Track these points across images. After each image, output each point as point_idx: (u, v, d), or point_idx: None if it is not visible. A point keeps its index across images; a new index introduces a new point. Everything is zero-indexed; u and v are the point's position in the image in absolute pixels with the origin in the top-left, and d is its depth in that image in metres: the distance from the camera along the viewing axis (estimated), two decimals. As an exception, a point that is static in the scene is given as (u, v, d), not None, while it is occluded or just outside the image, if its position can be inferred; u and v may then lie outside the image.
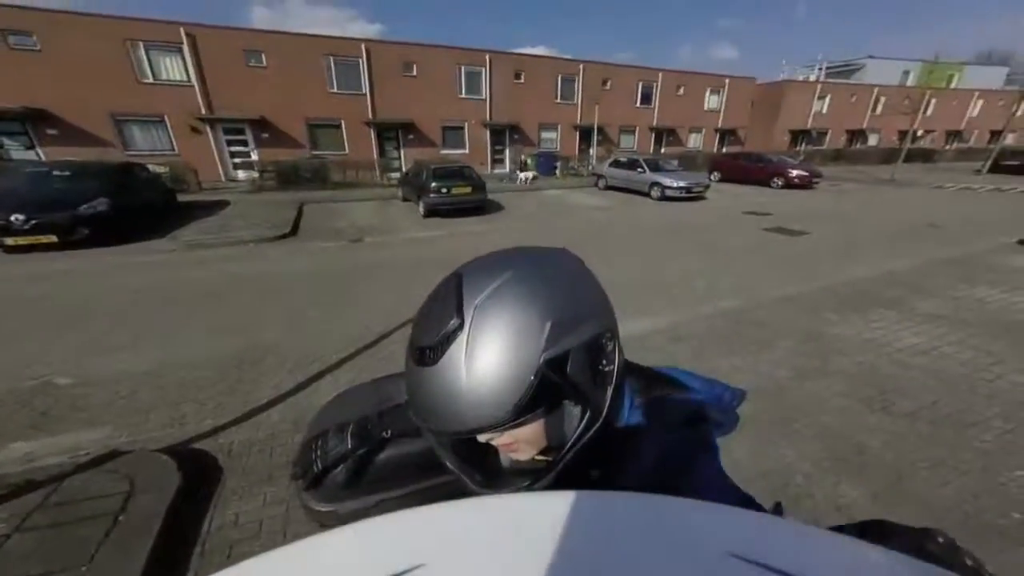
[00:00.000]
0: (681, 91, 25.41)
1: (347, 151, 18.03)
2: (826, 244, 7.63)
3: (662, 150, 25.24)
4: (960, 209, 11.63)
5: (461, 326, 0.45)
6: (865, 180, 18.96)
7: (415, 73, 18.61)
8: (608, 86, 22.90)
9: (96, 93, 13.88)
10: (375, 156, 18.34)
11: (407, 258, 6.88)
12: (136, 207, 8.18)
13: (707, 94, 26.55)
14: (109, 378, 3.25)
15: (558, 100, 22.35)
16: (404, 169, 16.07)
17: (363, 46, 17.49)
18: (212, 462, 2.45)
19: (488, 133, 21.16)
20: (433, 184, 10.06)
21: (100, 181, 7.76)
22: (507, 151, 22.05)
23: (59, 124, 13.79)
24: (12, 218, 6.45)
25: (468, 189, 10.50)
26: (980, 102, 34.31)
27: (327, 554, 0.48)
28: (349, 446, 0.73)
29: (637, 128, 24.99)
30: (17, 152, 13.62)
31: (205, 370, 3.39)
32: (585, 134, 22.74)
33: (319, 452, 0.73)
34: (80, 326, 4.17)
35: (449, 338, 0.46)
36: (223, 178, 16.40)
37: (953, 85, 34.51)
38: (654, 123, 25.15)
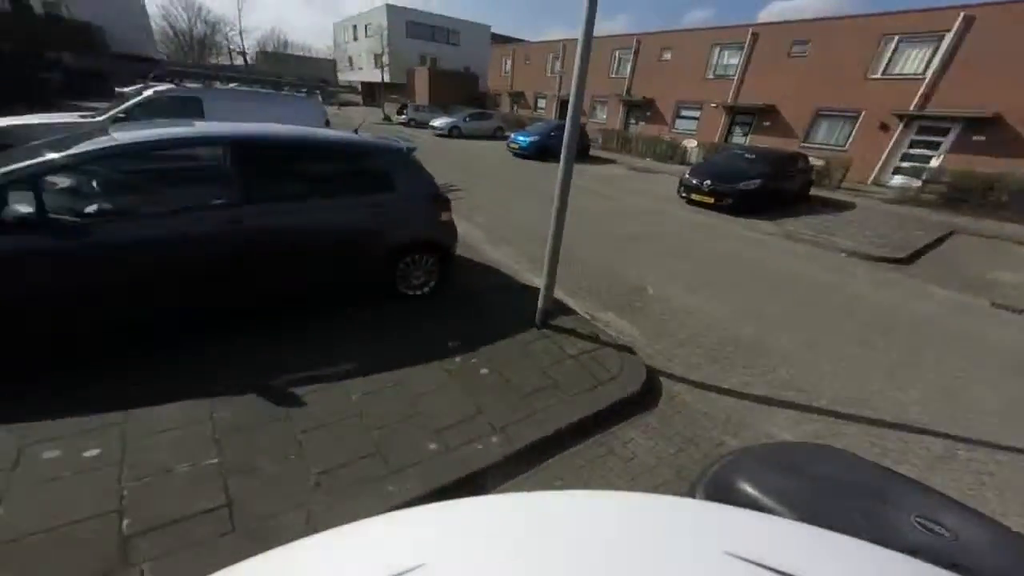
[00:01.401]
0: None
1: None
2: None
3: None
4: None
5: None
6: None
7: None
8: None
9: (814, 90, 15.25)
10: None
11: None
12: (776, 191, 9.16)
13: None
14: (678, 307, 4.31)
15: None
16: None
17: None
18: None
19: None
20: None
21: (766, 165, 9.19)
22: None
23: (772, 118, 16.91)
24: (704, 183, 9.32)
25: None
26: None
27: (327, 554, 0.47)
28: None
29: None
30: (738, 138, 18.55)
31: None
32: None
33: None
34: (676, 261, 5.65)
35: None
36: (869, 181, 14.32)
37: None
38: None
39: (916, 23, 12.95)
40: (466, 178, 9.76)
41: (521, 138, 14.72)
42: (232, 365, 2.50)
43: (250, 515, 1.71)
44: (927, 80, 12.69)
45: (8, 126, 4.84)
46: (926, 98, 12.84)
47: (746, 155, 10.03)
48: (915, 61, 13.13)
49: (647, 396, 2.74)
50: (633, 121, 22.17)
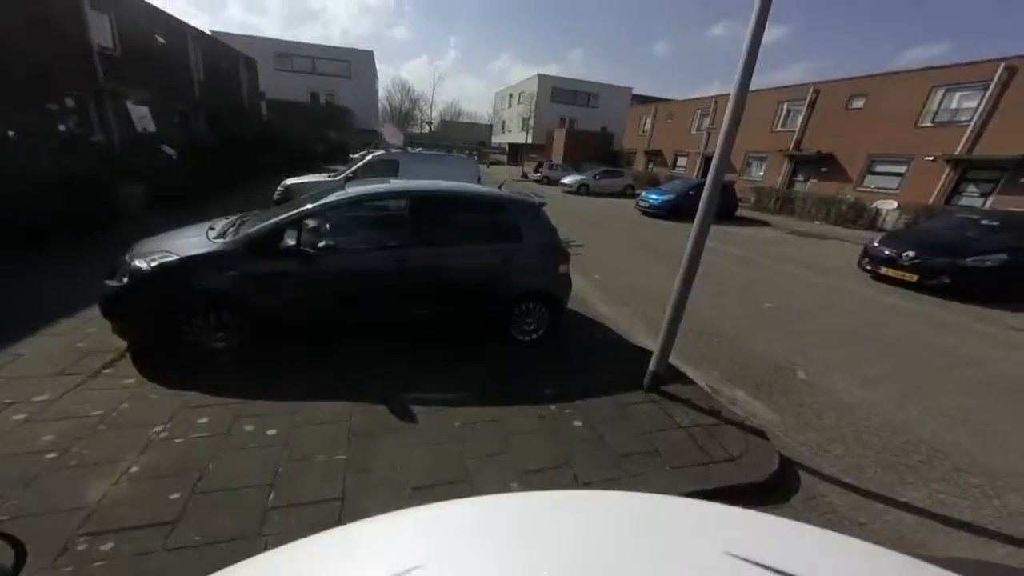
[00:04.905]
0: None
1: None
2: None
3: None
4: None
5: None
6: None
7: None
8: None
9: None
10: None
11: None
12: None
13: None
14: (837, 400, 3.66)
15: None
16: None
17: None
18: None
19: None
20: None
21: (1018, 236, 6.97)
22: None
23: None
24: (904, 254, 7.56)
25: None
26: None
27: (327, 554, 0.49)
28: None
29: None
30: (969, 199, 14.49)
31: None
32: None
33: None
34: (847, 347, 4.69)
35: None
36: None
37: None
38: None
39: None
40: (589, 234, 10.33)
41: (653, 196, 14.87)
42: (374, 376, 3.16)
43: (353, 511, 2.04)
44: None
45: (291, 184, 7.79)
46: None
47: (982, 221, 7.88)
48: None
49: (776, 489, 2.42)
50: (800, 178, 19.86)
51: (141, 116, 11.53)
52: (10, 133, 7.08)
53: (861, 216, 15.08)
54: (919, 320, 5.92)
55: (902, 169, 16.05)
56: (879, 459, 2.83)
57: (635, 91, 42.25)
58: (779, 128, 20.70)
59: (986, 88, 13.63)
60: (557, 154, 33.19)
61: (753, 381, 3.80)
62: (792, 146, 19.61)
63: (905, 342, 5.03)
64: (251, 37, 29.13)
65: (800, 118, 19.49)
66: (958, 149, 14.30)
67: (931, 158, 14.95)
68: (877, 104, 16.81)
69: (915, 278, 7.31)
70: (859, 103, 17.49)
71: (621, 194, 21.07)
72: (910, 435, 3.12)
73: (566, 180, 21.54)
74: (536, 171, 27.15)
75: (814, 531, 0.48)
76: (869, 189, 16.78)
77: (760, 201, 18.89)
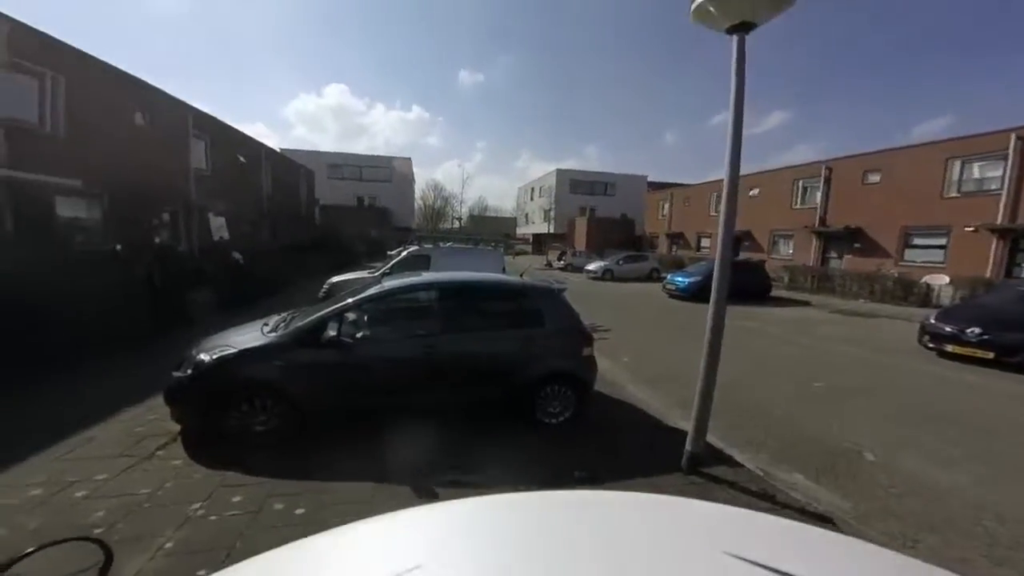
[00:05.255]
0: None
1: None
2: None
3: None
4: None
5: None
6: None
7: None
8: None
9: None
10: None
11: None
12: None
13: None
14: (918, 483, 3.17)
15: None
16: None
17: None
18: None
19: None
20: None
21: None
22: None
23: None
24: (969, 330, 6.92)
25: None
26: None
27: (327, 554, 0.49)
28: None
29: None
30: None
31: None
32: None
33: None
34: (925, 432, 4.14)
35: None
36: None
37: None
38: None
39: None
40: (616, 318, 10.26)
41: (679, 279, 14.93)
42: (401, 458, 3.12)
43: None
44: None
45: (336, 281, 8.70)
46: None
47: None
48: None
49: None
50: (834, 255, 19.54)
51: (219, 226, 13.36)
52: (118, 247, 8.37)
53: (911, 292, 14.26)
54: (999, 397, 5.22)
55: (942, 241, 15.55)
56: (990, 554, 2.34)
57: (649, 178, 44.36)
58: (798, 206, 21.18)
59: (1005, 158, 13.77)
60: (580, 241, 34.54)
61: (811, 463, 3.40)
62: (817, 222, 19.78)
63: (983, 418, 4.42)
64: (310, 152, 33.90)
65: (818, 194, 20.00)
66: (998, 218, 13.92)
67: (971, 228, 14.52)
68: (892, 178, 17.16)
69: (991, 355, 6.60)
70: (875, 178, 17.92)
71: (647, 278, 21.07)
72: (1015, 525, 2.59)
73: (590, 267, 21.90)
74: (560, 259, 27.99)
75: (814, 531, 0.48)
76: (913, 263, 16.15)
77: (794, 280, 18.45)
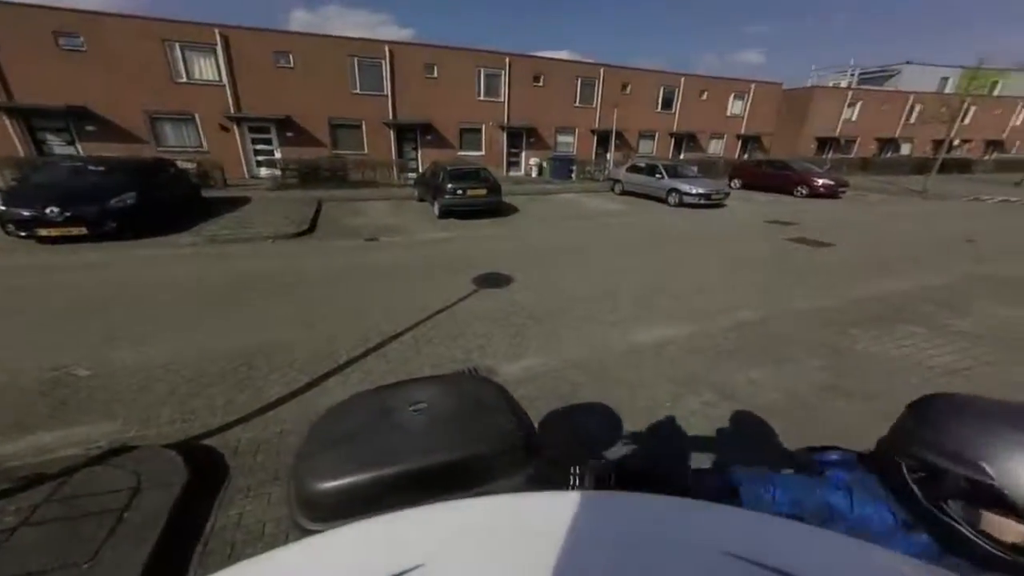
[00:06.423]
0: (704, 96, 24.89)
1: (366, 151, 18.31)
2: (851, 257, 7.30)
3: (682, 156, 24.75)
4: (1000, 222, 11.02)
5: None
6: (895, 191, 18.17)
7: (435, 75, 18.79)
8: (628, 90, 22.62)
9: (133, 92, 14.44)
10: (393, 156, 18.56)
11: (420, 258, 6.89)
12: (163, 201, 8.45)
13: (731, 99, 25.94)
14: (125, 370, 3.32)
15: (577, 104, 22.20)
16: (421, 169, 16.46)
17: (387, 48, 17.73)
18: (219, 459, 2.46)
19: (505, 136, 21.20)
20: (449, 185, 10.10)
21: (130, 176, 8.05)
22: (523, 154, 22.04)
23: (98, 121, 14.40)
24: (47, 210, 6.73)
25: (483, 191, 10.50)
26: None
27: (327, 554, 0.48)
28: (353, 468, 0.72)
29: (657, 133, 24.59)
30: (60, 148, 14.29)
31: (217, 365, 3.43)
32: (603, 138, 22.50)
33: (318, 470, 0.72)
34: (101, 317, 4.29)
35: None
36: (247, 175, 16.83)
37: (996, 93, 32.66)
38: (674, 128, 24.71)
39: (194, 34, 14.81)
40: None
41: None
42: None
43: None
44: (228, 87, 15.59)
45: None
46: (238, 103, 15.97)
47: (90, 167, 8.11)
48: (208, 69, 15.44)
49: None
50: None
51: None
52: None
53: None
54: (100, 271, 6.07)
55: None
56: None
57: None
58: None
59: None
60: None
61: None
62: None
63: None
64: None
65: None
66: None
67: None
68: None
69: (84, 230, 6.97)
70: None
71: None
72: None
73: None
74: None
75: (814, 531, 0.47)
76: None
77: None
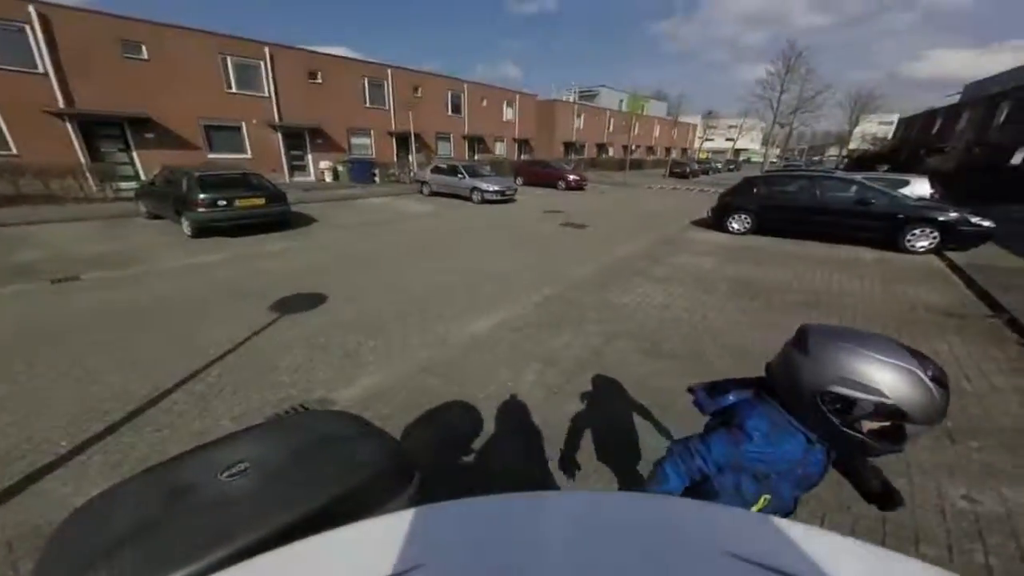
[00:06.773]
0: (484, 102, 27.83)
1: (14, 151, 11.96)
2: (601, 234, 10.03)
3: (475, 157, 27.15)
4: (663, 201, 17.34)
5: None
6: (610, 183, 25.53)
7: (146, 55, 13.86)
8: (420, 93, 22.86)
9: None
10: (81, 160, 12.78)
11: (176, 292, 5.23)
12: None
13: (504, 106, 30.01)
14: None
15: (368, 104, 20.91)
16: (145, 177, 12.56)
17: (31, 7, 11.70)
18: None
19: (280, 136, 17.93)
20: (201, 196, 7.93)
21: None
22: (309, 157, 19.26)
23: None
24: None
25: (261, 200, 8.72)
26: (658, 126, 51.00)
27: (327, 554, 0.47)
28: None
29: (452, 136, 26.03)
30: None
31: None
32: (402, 141, 22.12)
33: None
34: None
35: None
36: None
37: (645, 113, 49.46)
38: (465, 131, 26.73)
39: None
40: None
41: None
42: None
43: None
44: None
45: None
46: None
47: None
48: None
49: None
50: None
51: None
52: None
53: None
54: None
55: None
56: None
57: None
58: None
59: None
60: None
61: None
62: None
63: None
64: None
65: None
66: None
67: None
68: None
69: None
70: None
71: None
72: None
73: None
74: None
75: (814, 531, 0.46)
76: None
77: None
